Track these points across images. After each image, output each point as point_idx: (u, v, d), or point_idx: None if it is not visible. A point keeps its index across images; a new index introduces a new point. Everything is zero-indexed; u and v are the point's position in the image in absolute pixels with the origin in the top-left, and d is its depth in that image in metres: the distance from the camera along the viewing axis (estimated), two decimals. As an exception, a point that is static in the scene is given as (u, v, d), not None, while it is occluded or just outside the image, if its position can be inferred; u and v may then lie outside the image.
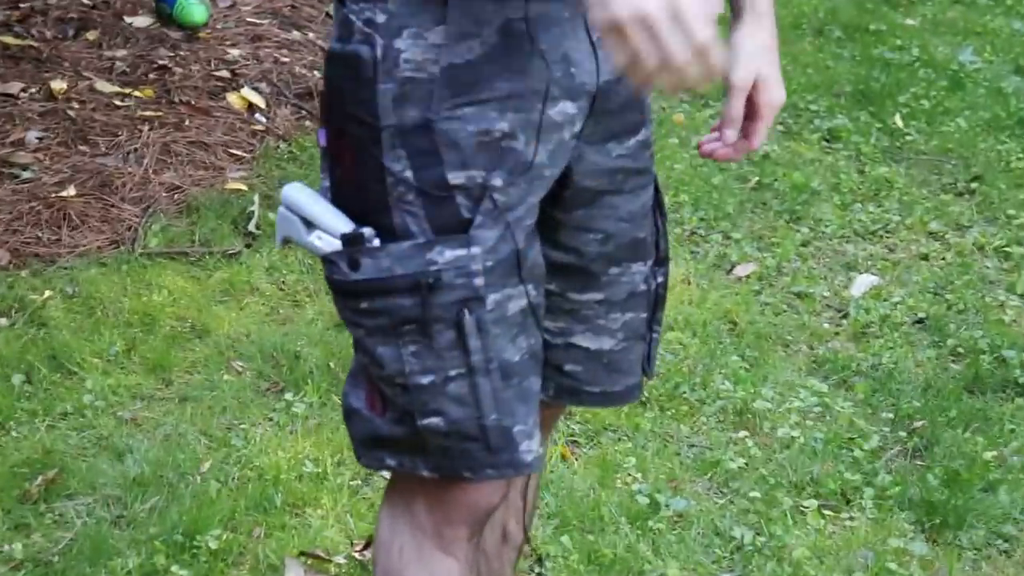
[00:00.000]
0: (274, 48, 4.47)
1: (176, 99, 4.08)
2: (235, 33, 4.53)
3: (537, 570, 2.45)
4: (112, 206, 3.58)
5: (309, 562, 2.43)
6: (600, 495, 2.62)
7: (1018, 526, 2.61)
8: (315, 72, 4.29)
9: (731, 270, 3.52)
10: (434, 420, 1.57)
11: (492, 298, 1.54)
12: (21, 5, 4.52)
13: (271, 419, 2.84)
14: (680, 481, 2.69)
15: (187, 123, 3.97)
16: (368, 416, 1.61)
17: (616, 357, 1.77)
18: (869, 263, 3.59)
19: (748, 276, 3.49)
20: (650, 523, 2.55)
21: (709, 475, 2.72)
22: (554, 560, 2.46)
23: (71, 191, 3.60)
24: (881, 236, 3.74)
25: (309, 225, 1.57)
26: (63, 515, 2.54)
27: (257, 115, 4.10)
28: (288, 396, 2.89)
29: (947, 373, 3.08)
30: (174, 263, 3.39)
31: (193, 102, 4.07)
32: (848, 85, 4.67)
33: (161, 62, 4.26)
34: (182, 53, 4.33)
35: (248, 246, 3.48)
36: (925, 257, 3.62)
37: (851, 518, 2.62)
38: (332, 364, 2.97)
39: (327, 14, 4.68)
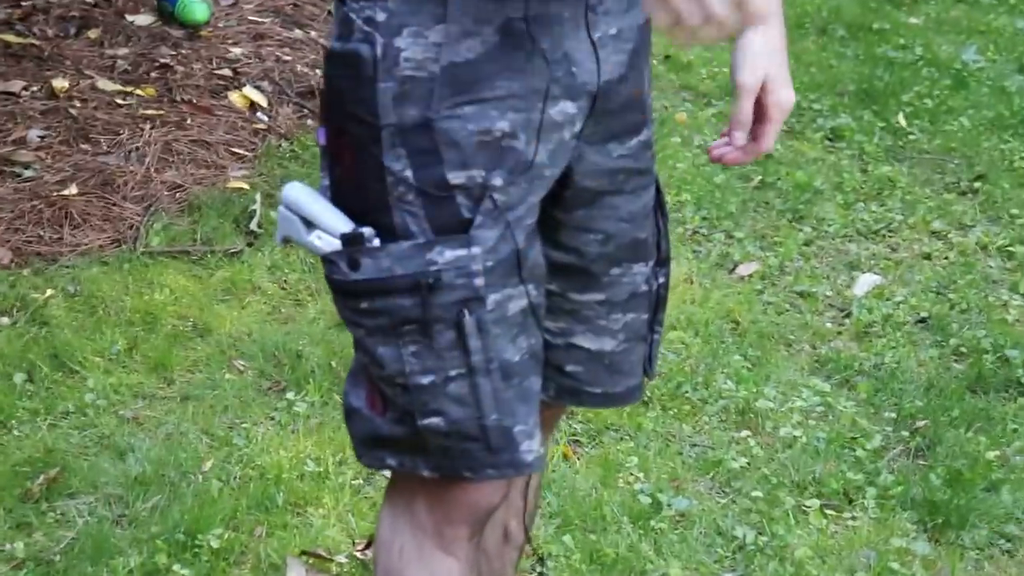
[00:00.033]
0: (276, 46, 4.47)
1: (178, 98, 4.08)
2: (237, 31, 4.53)
3: (539, 570, 2.44)
4: (114, 205, 3.58)
5: (311, 561, 2.42)
6: (602, 494, 2.62)
7: (1021, 526, 2.60)
8: (317, 71, 4.29)
9: (733, 269, 3.52)
10: (434, 420, 1.56)
11: (492, 298, 1.54)
12: (23, 3, 4.52)
13: (273, 418, 2.84)
14: (682, 481, 2.69)
15: (189, 122, 3.97)
16: (368, 415, 1.61)
17: (617, 358, 1.76)
18: (872, 262, 3.58)
19: (751, 275, 3.48)
20: (652, 523, 2.55)
21: (711, 475, 2.71)
22: (556, 560, 2.46)
23: (73, 190, 3.60)
24: (884, 235, 3.73)
25: (309, 224, 1.56)
26: (65, 514, 2.54)
27: (259, 114, 4.10)
28: (290, 395, 2.89)
29: (950, 373, 3.08)
30: (176, 262, 3.39)
31: (195, 101, 4.07)
32: (851, 84, 4.66)
33: (163, 60, 4.26)
34: (184, 51, 4.33)
35: (250, 245, 3.48)
36: (928, 256, 3.62)
37: (853, 518, 2.61)
38: (334, 363, 2.97)
39: (329, 12, 4.68)
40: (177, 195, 3.67)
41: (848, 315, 3.33)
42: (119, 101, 4.02)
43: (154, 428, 2.79)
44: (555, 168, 1.60)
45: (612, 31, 1.60)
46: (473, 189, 1.52)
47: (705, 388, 2.98)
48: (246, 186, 3.72)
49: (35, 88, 4.05)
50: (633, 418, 2.85)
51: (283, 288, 3.33)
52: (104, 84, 4.09)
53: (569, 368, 1.76)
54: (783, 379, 3.03)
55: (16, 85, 4.04)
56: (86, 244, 3.44)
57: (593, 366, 1.76)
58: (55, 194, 3.57)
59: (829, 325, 3.29)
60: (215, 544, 2.43)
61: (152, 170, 3.73)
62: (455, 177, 1.52)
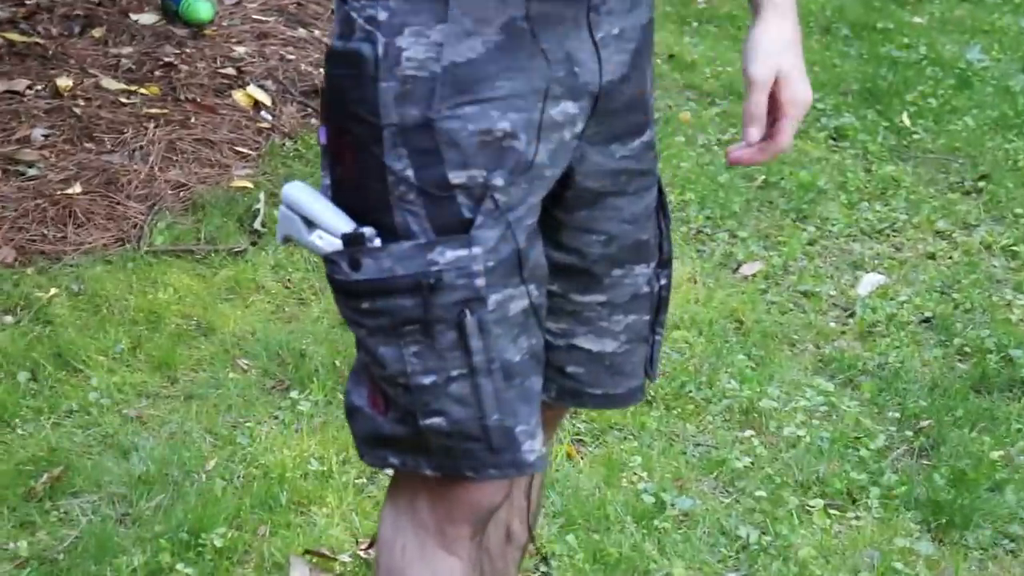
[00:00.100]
0: (280, 45, 4.47)
1: (182, 96, 4.08)
2: (241, 30, 4.53)
3: (543, 569, 2.44)
4: (118, 204, 3.58)
5: (314, 560, 2.42)
6: (606, 494, 2.62)
7: (1024, 526, 2.60)
8: (321, 69, 4.29)
9: (737, 269, 3.52)
10: (436, 420, 1.56)
11: (493, 298, 1.53)
12: (27, 2, 4.52)
13: (276, 417, 2.84)
14: (686, 480, 2.69)
15: (193, 121, 3.97)
16: (370, 415, 1.61)
17: (618, 359, 1.76)
18: (876, 262, 3.58)
19: (754, 275, 3.48)
20: (656, 522, 2.55)
21: (715, 474, 2.71)
22: (559, 559, 2.46)
23: (77, 188, 3.60)
24: (888, 235, 3.73)
25: (310, 224, 1.56)
26: (68, 513, 2.54)
27: (263, 113, 4.10)
28: (293, 394, 2.89)
29: (954, 372, 3.08)
30: (180, 261, 3.39)
31: (199, 99, 4.07)
32: (855, 83, 4.66)
33: (167, 59, 4.26)
34: (188, 50, 4.33)
35: (254, 244, 3.48)
36: (932, 256, 3.61)
37: (857, 518, 2.61)
38: (338, 362, 2.97)
39: (333, 11, 4.68)
40: (181, 194, 3.67)
41: (852, 315, 3.32)
42: (123, 100, 4.02)
43: (158, 427, 2.79)
44: (556, 168, 1.60)
45: (615, 31, 1.59)
46: (474, 189, 1.52)
47: (709, 387, 2.98)
48: (250, 185, 3.72)
49: (39, 87, 4.05)
50: (637, 417, 2.85)
51: (287, 287, 3.33)
52: (108, 83, 4.09)
53: (570, 369, 1.75)
54: (787, 379, 3.03)
55: (20, 84, 4.05)
56: (90, 243, 3.44)
57: (594, 367, 1.76)
58: (59, 193, 3.57)
59: (833, 325, 3.28)
60: (219, 543, 2.43)
61: (156, 169, 3.73)
62: (456, 177, 1.51)
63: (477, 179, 1.52)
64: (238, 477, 2.64)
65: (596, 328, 1.74)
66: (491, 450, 1.57)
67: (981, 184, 4.00)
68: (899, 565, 2.47)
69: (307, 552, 2.44)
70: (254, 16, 4.65)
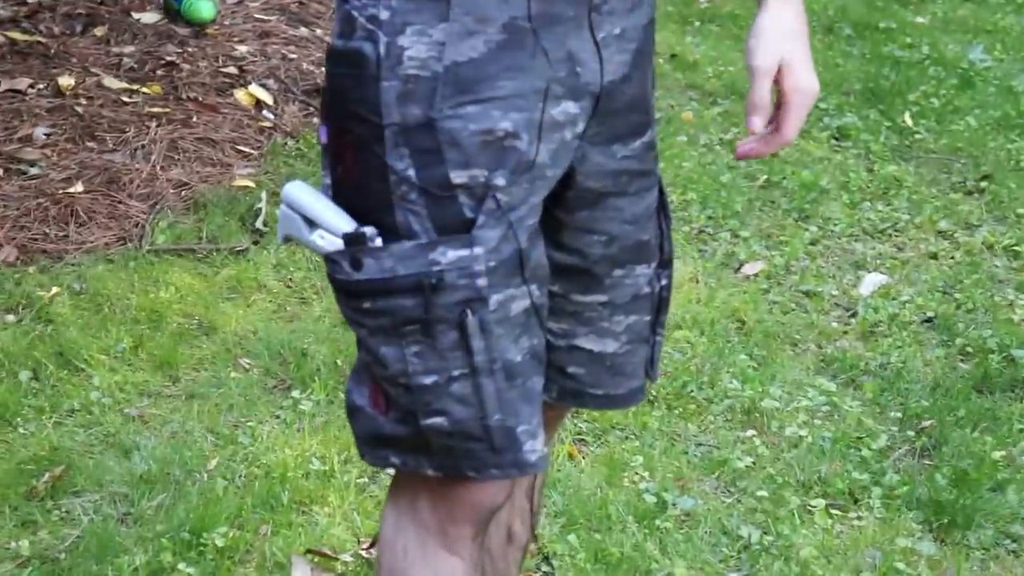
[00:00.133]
0: (282, 44, 4.47)
1: (184, 95, 4.08)
2: (243, 29, 4.53)
3: (544, 569, 2.44)
4: (119, 203, 3.58)
5: (316, 560, 2.42)
6: (607, 494, 2.62)
7: (1026, 526, 2.60)
8: (323, 68, 4.29)
9: (739, 268, 3.51)
10: (437, 420, 1.56)
11: (495, 298, 1.53)
12: (29, 1, 4.52)
13: (278, 416, 2.83)
14: (687, 480, 2.69)
15: (195, 120, 3.97)
16: (372, 414, 1.61)
17: (619, 360, 1.76)
18: (878, 262, 3.58)
19: (756, 274, 3.48)
20: (657, 522, 2.55)
21: (716, 474, 2.71)
22: (561, 559, 2.45)
23: (79, 187, 3.60)
24: (890, 235, 3.73)
25: (311, 224, 1.56)
26: (70, 512, 2.54)
27: (265, 112, 4.10)
28: (295, 394, 2.89)
29: (956, 372, 3.08)
30: (181, 260, 3.39)
31: (201, 99, 4.07)
32: (857, 83, 4.66)
33: (169, 58, 4.26)
34: (190, 49, 4.33)
35: (255, 243, 3.48)
36: (934, 256, 3.61)
37: (859, 517, 2.61)
38: (339, 361, 2.97)
39: (334, 10, 4.68)
40: (183, 193, 3.67)
41: (854, 314, 3.32)
42: (125, 99, 4.02)
43: (159, 426, 2.79)
44: (557, 168, 1.59)
45: (616, 31, 1.59)
46: (475, 189, 1.52)
47: (711, 387, 2.97)
48: (252, 184, 3.72)
49: (41, 86, 4.05)
50: (638, 417, 2.84)
51: (288, 286, 3.33)
52: (110, 82, 4.10)
53: (571, 370, 1.75)
54: (789, 378, 3.03)
55: (22, 83, 4.05)
56: (92, 242, 3.44)
57: (595, 368, 1.75)
58: (61, 192, 3.57)
59: (835, 324, 3.28)
60: (220, 543, 2.43)
61: (158, 168, 3.74)
62: (458, 177, 1.51)
63: (479, 179, 1.52)
64: (240, 476, 2.64)
65: (597, 328, 1.74)
66: (493, 450, 1.57)
67: (983, 184, 3.99)
68: (901, 565, 2.47)
69: (309, 552, 2.44)
70: (256, 15, 4.65)
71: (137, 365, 2.99)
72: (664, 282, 1.78)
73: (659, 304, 1.78)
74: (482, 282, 1.52)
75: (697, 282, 3.41)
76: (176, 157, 3.80)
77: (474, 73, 1.50)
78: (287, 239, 1.59)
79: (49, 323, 3.11)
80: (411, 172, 1.51)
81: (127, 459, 2.67)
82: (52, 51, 4.23)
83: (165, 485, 2.60)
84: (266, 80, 4.23)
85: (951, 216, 3.81)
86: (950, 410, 2.91)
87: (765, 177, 3.97)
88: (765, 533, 2.54)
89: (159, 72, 4.19)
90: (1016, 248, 3.64)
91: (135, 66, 4.21)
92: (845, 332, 3.25)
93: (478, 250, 1.51)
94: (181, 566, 2.39)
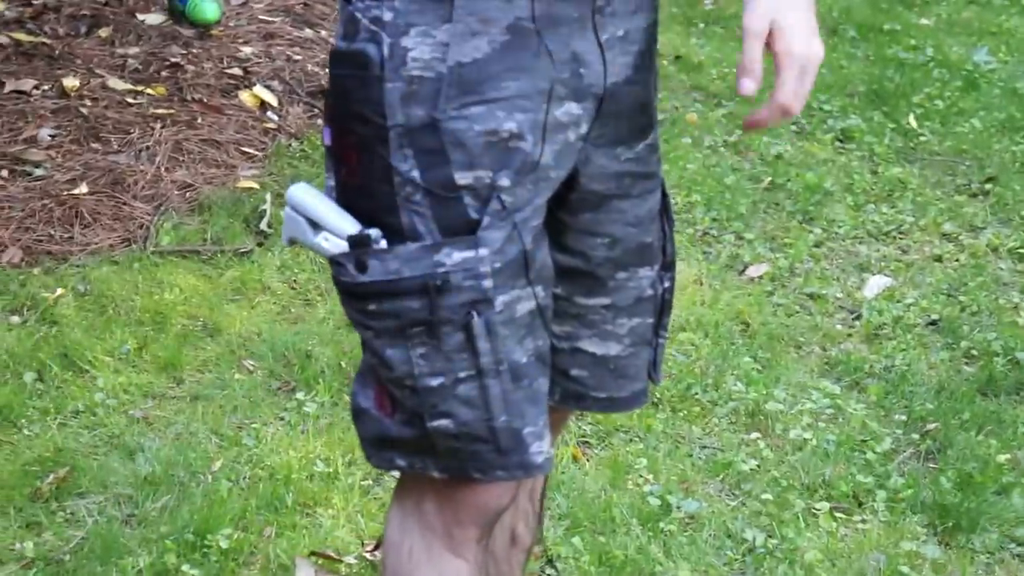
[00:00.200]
0: (286, 46, 4.47)
1: (188, 97, 4.08)
2: (247, 31, 4.54)
3: (548, 571, 2.44)
4: (124, 204, 3.59)
5: (320, 562, 2.42)
6: (611, 496, 2.61)
7: (1031, 529, 2.60)
8: (327, 70, 4.29)
9: (743, 271, 3.51)
10: (443, 422, 1.56)
11: (500, 300, 1.53)
12: (34, 2, 4.53)
13: (282, 418, 2.84)
14: (692, 483, 2.69)
15: (199, 121, 3.97)
16: (377, 416, 1.61)
17: (623, 362, 1.76)
18: (882, 264, 3.57)
19: (760, 277, 3.48)
20: (661, 525, 2.54)
21: (721, 477, 2.71)
22: (565, 561, 2.45)
23: (83, 189, 3.60)
24: (894, 237, 3.72)
25: (315, 226, 1.56)
26: (74, 514, 2.54)
27: (269, 113, 4.10)
28: (299, 395, 2.89)
29: (960, 375, 3.07)
30: (186, 261, 3.39)
31: (205, 100, 4.07)
32: (862, 85, 4.66)
33: (173, 60, 4.26)
34: (194, 51, 4.33)
35: (260, 244, 3.48)
36: (939, 258, 3.61)
37: (863, 521, 2.61)
38: (343, 363, 2.97)
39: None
40: (187, 194, 3.67)
41: (858, 317, 3.32)
42: (130, 100, 4.03)
43: (164, 428, 2.79)
44: (561, 170, 1.59)
45: (619, 33, 1.59)
46: (480, 190, 1.52)
47: (715, 390, 2.97)
48: (256, 185, 3.72)
49: (46, 87, 4.06)
50: (643, 420, 2.84)
51: (293, 288, 3.33)
52: (115, 83, 4.10)
53: (574, 372, 1.75)
54: (793, 381, 3.03)
55: (27, 84, 4.05)
56: (96, 243, 3.44)
57: (598, 370, 1.75)
58: (65, 193, 3.58)
59: (839, 327, 3.28)
60: (224, 544, 2.43)
61: (162, 169, 3.74)
62: (462, 178, 1.51)
63: (483, 180, 1.51)
64: (244, 478, 2.64)
65: (600, 331, 1.74)
66: (499, 452, 1.57)
67: (988, 186, 3.99)
68: (905, 569, 2.46)
69: (313, 554, 2.44)
70: (260, 16, 4.65)
71: (141, 367, 2.99)
72: (667, 284, 1.78)
73: (662, 306, 1.78)
74: (487, 283, 1.52)
75: (701, 284, 3.41)
76: (180, 158, 3.80)
77: (478, 74, 1.50)
78: (291, 241, 1.59)
79: (53, 324, 3.11)
80: (415, 173, 1.51)
81: (131, 460, 2.67)
82: (57, 52, 4.23)
83: (169, 487, 2.60)
84: (270, 82, 4.23)
85: (955, 218, 3.80)
86: (955, 413, 2.91)
87: (769, 179, 3.97)
88: (769, 536, 2.54)
89: (164, 73, 4.20)
90: (1021, 250, 3.64)
91: (140, 67, 4.22)
92: (849, 335, 3.25)
93: (483, 251, 1.51)
94: (185, 568, 2.39)
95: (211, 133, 3.93)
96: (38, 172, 3.68)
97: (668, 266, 1.78)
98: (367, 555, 2.44)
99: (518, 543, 1.91)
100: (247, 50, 4.39)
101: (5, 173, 3.67)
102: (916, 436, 2.85)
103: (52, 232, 3.46)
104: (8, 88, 4.02)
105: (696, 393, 2.95)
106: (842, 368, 3.09)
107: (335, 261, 1.55)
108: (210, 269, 3.37)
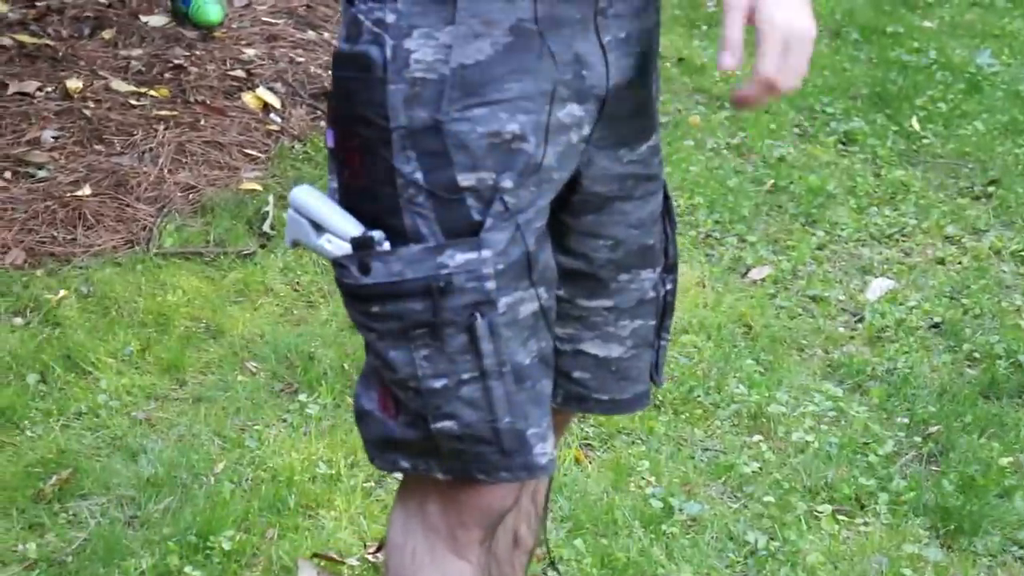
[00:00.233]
0: (289, 48, 4.47)
1: (191, 99, 4.08)
2: (250, 33, 4.54)
3: (550, 573, 2.44)
4: (127, 206, 3.59)
5: (322, 564, 2.42)
6: (614, 499, 2.62)
7: (1034, 532, 2.60)
8: (330, 72, 4.29)
9: (746, 273, 3.51)
10: (447, 424, 1.56)
11: (504, 301, 1.53)
12: (37, 4, 4.53)
13: (285, 420, 2.84)
14: (694, 485, 2.69)
15: (202, 123, 3.97)
16: (381, 418, 1.61)
17: (625, 364, 1.76)
18: (885, 267, 3.57)
19: (763, 279, 3.48)
20: (664, 527, 2.54)
21: (723, 479, 2.71)
22: (567, 564, 2.45)
23: (86, 190, 3.61)
24: (897, 240, 3.72)
25: (318, 228, 1.56)
26: (77, 515, 2.54)
27: (272, 115, 4.10)
28: (302, 397, 2.89)
29: (963, 378, 3.07)
30: (189, 263, 3.39)
31: (208, 102, 4.08)
32: (865, 88, 4.66)
33: (176, 61, 4.27)
34: (197, 52, 4.34)
35: (263, 246, 3.48)
36: (941, 261, 3.61)
37: (865, 523, 2.61)
38: (346, 365, 2.97)
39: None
40: (190, 196, 3.67)
41: (861, 320, 3.32)
42: (133, 102, 4.03)
43: (166, 429, 2.80)
44: (563, 172, 1.60)
45: (621, 35, 1.59)
46: (483, 191, 1.52)
47: (717, 392, 2.97)
48: (259, 187, 3.73)
49: (49, 89, 4.06)
50: (645, 422, 2.84)
51: (295, 290, 3.33)
52: (118, 85, 4.10)
53: (577, 374, 1.75)
54: (795, 384, 3.03)
55: (31, 85, 4.05)
56: (99, 245, 3.44)
57: (601, 372, 1.76)
58: (69, 195, 3.58)
59: (842, 330, 3.28)
60: (227, 546, 2.43)
61: (165, 171, 3.74)
62: (465, 179, 1.51)
63: (486, 181, 1.52)
64: (246, 480, 2.64)
65: (603, 333, 1.74)
66: (503, 453, 1.57)
67: (991, 189, 3.99)
68: (907, 571, 2.46)
69: (315, 555, 2.44)
70: (263, 18, 4.65)
71: (144, 368, 2.99)
72: (669, 286, 1.78)
73: (664, 308, 1.78)
74: (491, 285, 1.52)
75: (704, 287, 3.41)
76: (183, 160, 3.81)
77: (481, 76, 1.50)
78: (295, 244, 1.59)
79: (56, 326, 3.11)
80: (418, 175, 1.51)
81: (134, 462, 2.67)
82: (60, 54, 4.23)
83: (172, 488, 2.60)
84: (274, 83, 4.23)
85: (958, 221, 3.80)
86: (957, 416, 2.91)
87: (772, 182, 3.97)
88: (771, 539, 2.54)
89: (167, 75, 4.20)
90: (1023, 253, 3.64)
91: (143, 69, 4.22)
92: (852, 337, 3.25)
93: (486, 253, 1.51)
94: (188, 569, 2.39)
95: (214, 135, 3.93)
96: (41, 174, 3.68)
97: (670, 268, 1.78)
98: (369, 557, 2.44)
99: (520, 545, 1.91)
100: (250, 52, 4.39)
101: (8, 175, 3.67)
102: (918, 439, 2.85)
103: (55, 234, 3.46)
104: (11, 90, 4.03)
105: (698, 395, 2.95)
106: (844, 371, 3.09)
107: (338, 263, 1.55)
108: (213, 271, 3.38)
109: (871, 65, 4.88)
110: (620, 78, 1.60)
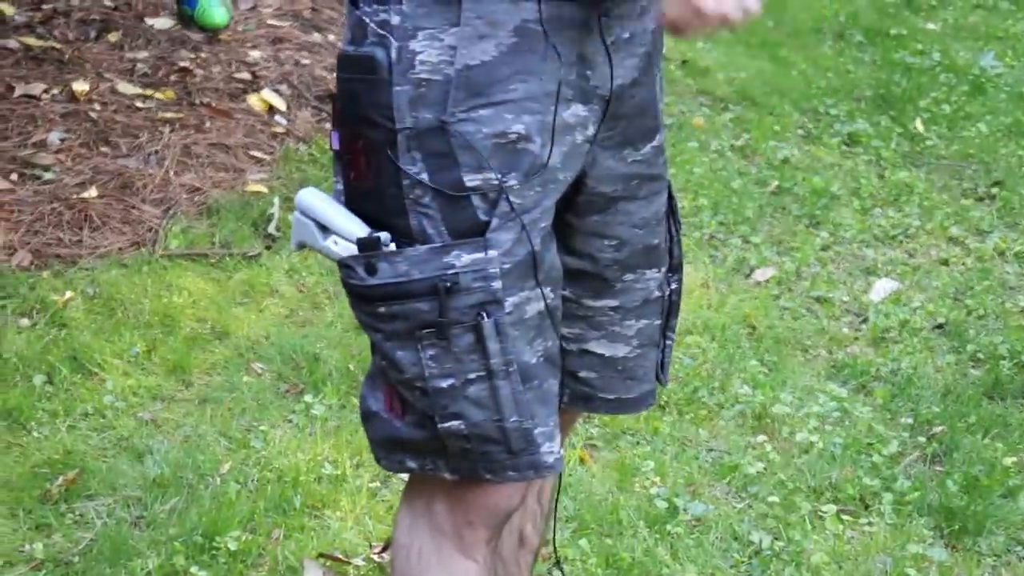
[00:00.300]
0: (294, 50, 4.48)
1: (197, 101, 4.09)
2: (256, 35, 4.55)
3: (555, 573, 2.44)
4: (133, 207, 3.60)
5: (328, 564, 2.43)
6: (618, 499, 2.62)
7: (1037, 532, 2.60)
8: (335, 74, 4.30)
9: (750, 274, 3.52)
10: (454, 423, 1.57)
11: (510, 301, 1.54)
12: (44, 7, 4.54)
13: (290, 421, 2.84)
14: (698, 485, 2.69)
15: (208, 125, 3.98)
16: (387, 419, 1.62)
17: (631, 364, 1.77)
18: (889, 268, 3.58)
19: (767, 280, 3.48)
20: (668, 527, 2.55)
21: (727, 479, 2.71)
22: (572, 563, 2.46)
23: (92, 192, 3.61)
24: (901, 241, 3.73)
25: (324, 230, 1.57)
26: (83, 516, 2.55)
27: (277, 117, 4.11)
28: (307, 398, 2.90)
29: (966, 379, 3.08)
30: (194, 265, 3.40)
31: (214, 104, 4.08)
32: (868, 89, 4.66)
33: (182, 64, 4.27)
34: (203, 55, 4.34)
35: (268, 248, 3.49)
36: (945, 262, 3.61)
37: (870, 523, 2.61)
38: (351, 366, 2.98)
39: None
40: (196, 198, 3.68)
41: (865, 320, 3.32)
42: (139, 104, 4.03)
43: (172, 430, 2.80)
44: (568, 172, 1.60)
45: (625, 35, 1.60)
46: (489, 192, 1.52)
47: (722, 393, 2.98)
48: (264, 189, 3.73)
49: (55, 91, 4.07)
50: (650, 422, 2.85)
51: (301, 291, 3.33)
52: (124, 87, 4.11)
53: (583, 374, 1.76)
54: (799, 384, 3.03)
55: (37, 88, 4.06)
56: (105, 247, 3.45)
57: (607, 372, 1.76)
58: (75, 197, 3.58)
59: (846, 330, 3.29)
60: (233, 546, 2.44)
61: (171, 173, 3.75)
62: (471, 180, 1.52)
63: (492, 182, 1.52)
64: (252, 481, 2.65)
65: (608, 333, 1.75)
66: (510, 452, 1.58)
67: (994, 190, 3.99)
68: (912, 571, 2.47)
69: (321, 556, 2.44)
70: (269, 21, 4.66)
71: (150, 369, 3.00)
72: (674, 286, 1.79)
73: (669, 308, 1.79)
74: (497, 285, 1.52)
75: (708, 288, 3.41)
76: (189, 162, 3.81)
77: (486, 76, 1.51)
78: (301, 245, 1.60)
79: (63, 327, 3.12)
80: (424, 176, 1.52)
81: (140, 463, 2.68)
82: (66, 57, 4.24)
83: (178, 489, 2.60)
84: (279, 85, 4.24)
85: (962, 222, 3.81)
86: (961, 416, 2.91)
87: (776, 183, 3.97)
88: (776, 539, 2.55)
89: (172, 77, 4.20)
90: (1027, 254, 3.64)
91: (149, 71, 4.23)
92: (856, 338, 3.25)
93: (492, 253, 1.52)
94: (194, 570, 2.39)
95: (220, 137, 3.94)
96: (47, 176, 3.69)
97: (675, 268, 1.78)
98: (375, 557, 2.45)
99: (526, 544, 1.91)
100: (255, 54, 4.39)
101: (15, 177, 3.68)
102: (922, 439, 2.86)
103: (61, 235, 3.47)
104: (18, 92, 4.03)
105: (703, 396, 2.96)
106: (848, 371, 3.09)
107: (344, 264, 1.55)
108: (218, 272, 3.38)
109: (875, 67, 4.88)
110: (625, 78, 1.61)
